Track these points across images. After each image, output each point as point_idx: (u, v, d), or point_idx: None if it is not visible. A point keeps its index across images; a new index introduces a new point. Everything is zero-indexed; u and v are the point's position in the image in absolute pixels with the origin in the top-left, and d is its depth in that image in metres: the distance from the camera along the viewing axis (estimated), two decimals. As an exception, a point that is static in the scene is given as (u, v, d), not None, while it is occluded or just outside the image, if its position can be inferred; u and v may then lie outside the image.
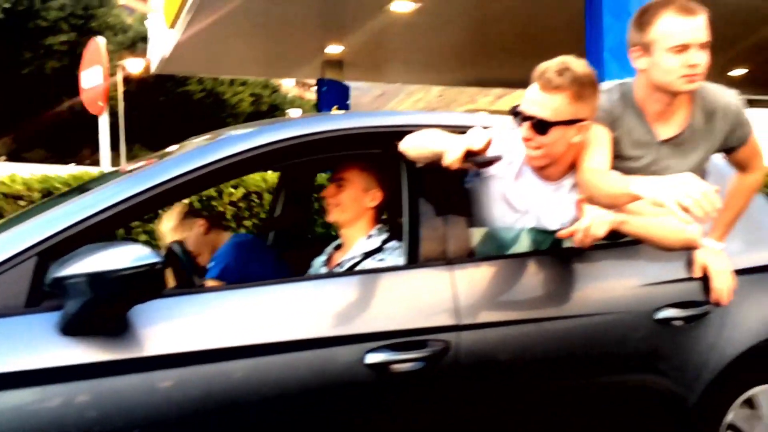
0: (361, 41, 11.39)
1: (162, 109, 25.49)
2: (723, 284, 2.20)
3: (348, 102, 13.69)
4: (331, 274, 2.17)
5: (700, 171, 2.27)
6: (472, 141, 1.84)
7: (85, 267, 1.54)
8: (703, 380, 2.20)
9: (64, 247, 1.67)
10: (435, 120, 2.24)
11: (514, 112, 2.06)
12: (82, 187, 2.11)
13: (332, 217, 2.35)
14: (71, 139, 27.46)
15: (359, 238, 2.32)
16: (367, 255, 2.26)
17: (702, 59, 2.03)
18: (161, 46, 10.75)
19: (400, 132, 2.12)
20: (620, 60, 6.10)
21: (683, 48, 2.01)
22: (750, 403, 2.31)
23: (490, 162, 1.93)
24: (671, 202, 1.71)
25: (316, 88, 14.62)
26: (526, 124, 2.02)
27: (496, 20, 9.49)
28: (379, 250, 2.27)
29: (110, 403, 1.60)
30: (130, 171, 1.99)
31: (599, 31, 6.09)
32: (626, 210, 2.01)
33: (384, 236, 2.32)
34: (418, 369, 1.84)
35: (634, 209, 2.01)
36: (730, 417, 2.27)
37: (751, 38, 10.20)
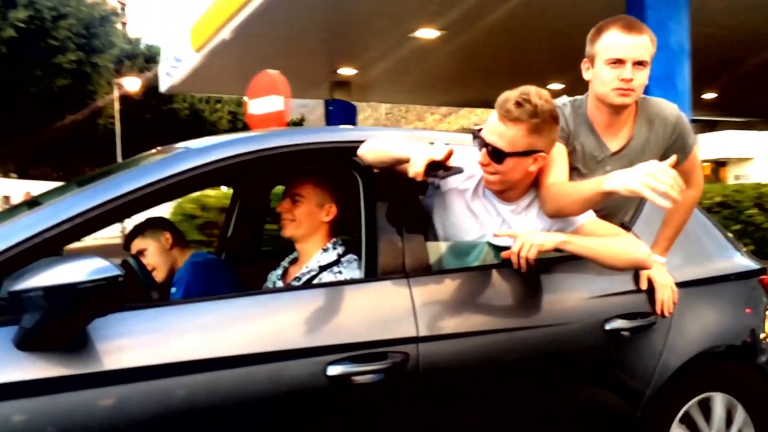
0: (376, 65, 12.11)
1: (148, 127, 25.95)
2: (666, 296, 2.31)
3: (355, 120, 14.58)
4: (291, 288, 2.18)
5: None
6: (435, 152, 1.89)
7: (43, 280, 1.51)
8: (651, 387, 2.28)
9: (18, 262, 1.65)
10: (394, 135, 2.24)
11: (475, 135, 2.10)
12: (33, 201, 2.09)
13: (288, 232, 2.35)
14: (73, 155, 27.72)
15: (315, 251, 2.33)
16: (324, 268, 2.28)
17: (636, 75, 2.11)
18: (180, 68, 11.55)
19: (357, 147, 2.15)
20: (665, 89, 6.62)
21: (618, 62, 2.10)
22: (696, 409, 2.41)
23: (453, 173, 1.97)
24: (643, 189, 1.83)
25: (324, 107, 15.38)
26: (484, 151, 2.06)
27: (513, 46, 10.03)
28: (336, 263, 2.29)
29: (68, 419, 1.57)
30: (85, 184, 1.97)
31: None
32: (582, 231, 2.10)
33: (340, 249, 2.34)
34: (379, 380, 1.86)
35: (592, 231, 2.11)
36: (676, 421, 2.36)
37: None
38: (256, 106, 7.24)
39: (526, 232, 2.09)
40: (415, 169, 1.88)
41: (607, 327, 2.22)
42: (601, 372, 2.25)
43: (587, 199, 2.02)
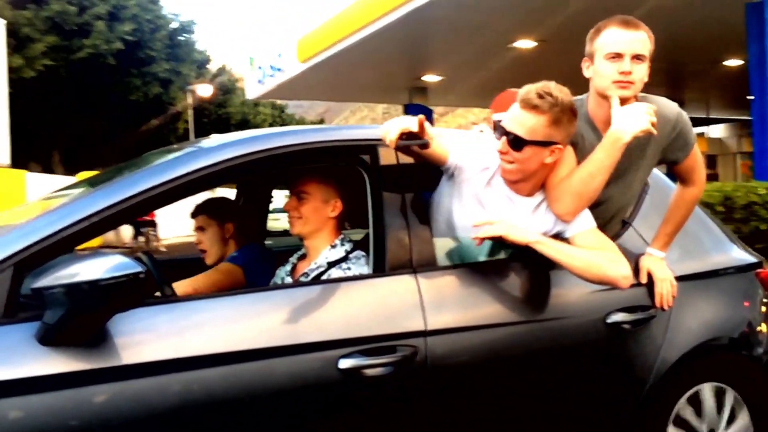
0: (463, 72, 12.85)
1: (211, 129, 27.58)
2: (665, 290, 2.36)
3: (432, 123, 15.10)
4: (302, 283, 2.21)
5: (643, 180, 2.43)
6: (408, 122, 2.00)
7: (65, 277, 1.54)
8: (652, 378, 2.34)
9: (41, 258, 1.68)
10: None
11: (496, 126, 2.16)
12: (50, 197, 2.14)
13: (295, 229, 2.39)
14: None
15: (323, 248, 2.36)
16: (332, 264, 2.30)
17: (635, 69, 2.17)
18: (277, 76, 12.91)
19: (365, 145, 2.21)
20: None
21: (617, 56, 2.16)
22: (695, 400, 2.47)
23: (422, 143, 2.03)
24: (650, 126, 2.06)
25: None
26: (504, 139, 2.12)
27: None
28: (344, 259, 2.31)
29: (90, 412, 1.61)
30: (100, 182, 2.01)
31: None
32: (574, 241, 2.16)
33: (347, 246, 2.37)
34: (389, 373, 1.91)
35: (584, 243, 2.15)
36: (676, 411, 2.41)
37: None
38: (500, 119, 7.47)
39: (509, 220, 2.15)
40: (390, 136, 1.99)
41: (609, 320, 2.27)
42: (603, 364, 2.31)
43: (606, 165, 2.12)
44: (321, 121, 45.66)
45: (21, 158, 15.66)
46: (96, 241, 6.72)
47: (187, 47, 27.61)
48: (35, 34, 20.29)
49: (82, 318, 1.59)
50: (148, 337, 1.72)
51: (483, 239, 2.12)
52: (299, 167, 2.33)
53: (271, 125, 35.90)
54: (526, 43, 10.68)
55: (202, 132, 26.40)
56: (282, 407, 1.82)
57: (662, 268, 2.40)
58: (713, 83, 15.64)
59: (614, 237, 2.44)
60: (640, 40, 2.17)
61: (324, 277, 2.26)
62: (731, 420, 2.51)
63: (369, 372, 1.90)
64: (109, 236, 20.76)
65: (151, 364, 1.69)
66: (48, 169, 22.77)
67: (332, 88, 14.74)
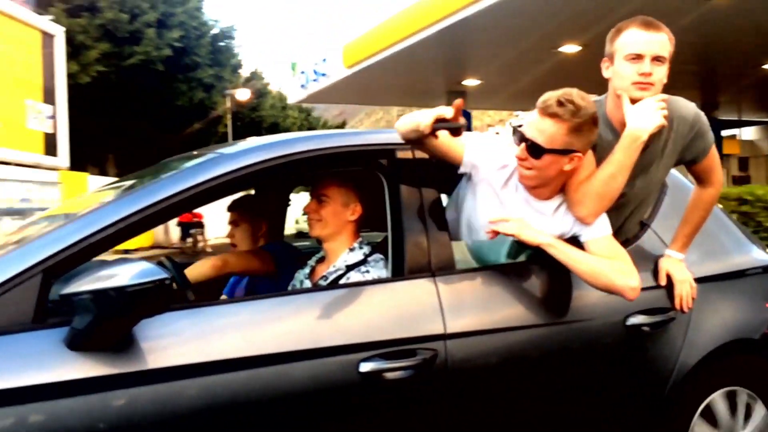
0: (505, 75, 13.20)
1: (240, 132, 28.55)
2: (685, 292, 2.36)
3: (470, 126, 15.97)
4: (323, 287, 2.24)
5: (661, 180, 2.43)
6: (443, 110, 2.01)
7: (93, 284, 1.57)
8: (671, 381, 2.34)
9: (69, 264, 1.72)
10: None
11: (514, 130, 2.16)
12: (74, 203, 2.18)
13: (315, 231, 2.41)
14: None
15: (342, 251, 2.38)
16: (351, 267, 2.32)
17: (655, 70, 2.17)
18: (321, 81, 13.47)
19: (384, 149, 2.23)
20: None
21: (638, 57, 2.16)
22: (716, 404, 2.46)
23: (457, 128, 2.03)
24: (662, 119, 2.11)
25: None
26: (522, 145, 2.12)
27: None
28: (363, 262, 2.33)
29: (117, 416, 1.64)
30: (133, 186, 2.05)
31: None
32: (588, 247, 2.17)
33: (366, 249, 2.39)
34: (409, 376, 1.92)
35: (598, 249, 2.15)
36: (697, 415, 2.41)
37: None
38: None
39: (523, 220, 2.16)
40: (424, 122, 2.01)
41: (628, 323, 2.27)
42: (622, 366, 2.31)
43: (626, 165, 2.13)
44: (343, 124, 46.68)
45: (78, 161, 16.20)
46: (147, 241, 6.92)
47: (227, 52, 28.43)
48: (89, 42, 20.92)
49: (109, 323, 1.62)
50: (172, 341, 1.75)
51: (496, 234, 2.13)
52: (320, 172, 2.36)
53: (299, 128, 37.15)
54: (571, 48, 10.81)
55: (237, 135, 27.23)
56: (304, 411, 1.85)
57: (681, 269, 2.40)
58: (748, 86, 15.57)
59: (633, 238, 2.47)
60: (660, 41, 2.17)
61: (343, 280, 2.28)
62: (749, 421, 2.50)
63: (389, 375, 1.91)
64: (159, 237, 21.49)
65: (176, 368, 1.71)
66: (103, 172, 23.54)
67: (374, 93, 15.37)
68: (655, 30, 2.17)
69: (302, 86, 15.32)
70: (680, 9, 8.53)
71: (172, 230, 22.40)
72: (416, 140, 2.15)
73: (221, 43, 27.53)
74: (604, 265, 2.12)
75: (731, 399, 2.48)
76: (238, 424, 1.77)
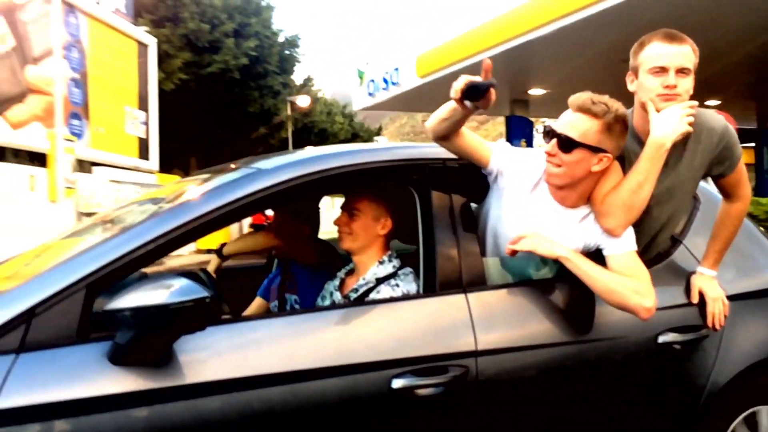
0: (572, 85, 12.83)
1: (294, 137, 29.91)
2: (717, 309, 2.35)
3: (532, 134, 16.73)
4: (356, 303, 2.26)
5: (691, 193, 2.41)
6: (473, 77, 2.02)
7: (136, 300, 1.60)
8: (703, 399, 2.32)
9: (112, 279, 1.76)
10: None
11: (545, 130, 2.18)
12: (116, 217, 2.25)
13: (345, 244, 2.43)
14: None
15: (371, 264, 2.40)
16: (381, 281, 2.33)
17: (680, 82, 2.17)
18: (392, 90, 14.26)
19: (416, 164, 2.26)
20: None
21: (662, 70, 2.17)
22: (751, 421, 2.44)
23: (488, 87, 2.00)
24: (687, 126, 2.12)
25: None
26: (554, 141, 2.13)
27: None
28: (393, 275, 2.34)
29: (160, 430, 1.67)
30: (176, 200, 2.09)
31: None
32: (610, 262, 2.16)
33: (395, 262, 2.40)
34: (440, 393, 1.94)
35: (618, 266, 2.14)
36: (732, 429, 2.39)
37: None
38: None
39: (539, 235, 2.16)
40: (456, 86, 2.02)
41: (660, 340, 2.27)
42: (654, 384, 2.30)
43: (652, 173, 2.14)
44: (379, 129, 49.15)
45: (164, 164, 17.08)
46: (225, 238, 7.11)
47: (292, 60, 29.42)
48: (172, 51, 21.80)
49: (151, 339, 1.66)
50: (210, 356, 1.78)
51: (515, 252, 2.15)
52: (354, 187, 2.39)
53: (345, 133, 38.95)
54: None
55: (294, 139, 28.64)
56: (338, 426, 1.87)
57: (714, 287, 2.38)
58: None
59: (665, 254, 2.46)
60: (684, 53, 2.17)
61: (373, 293, 2.30)
62: None
63: (421, 392, 1.92)
64: (234, 236, 22.10)
65: (213, 383, 1.75)
66: (187, 174, 24.66)
67: (441, 101, 15.49)
68: (678, 42, 2.18)
69: (370, 94, 15.91)
70: (739, 20, 8.35)
71: (245, 231, 23.11)
72: (445, 136, 2.17)
73: (286, 52, 28.48)
74: (619, 283, 2.11)
75: (761, 419, 2.45)
76: None
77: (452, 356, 1.99)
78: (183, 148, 24.48)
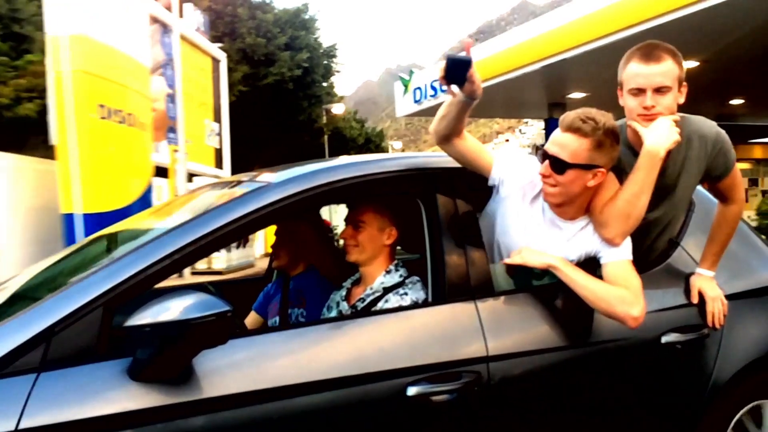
0: (610, 88, 13.00)
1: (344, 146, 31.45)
2: (716, 309, 2.41)
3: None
4: (368, 313, 2.27)
5: (687, 198, 2.46)
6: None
7: (156, 316, 1.61)
8: (706, 396, 2.38)
9: (130, 295, 1.76)
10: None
11: (537, 148, 2.22)
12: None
13: (352, 257, 2.44)
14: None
15: (378, 274, 2.42)
16: (388, 290, 2.35)
17: (659, 101, 2.19)
18: (439, 97, 14.56)
19: (422, 174, 2.28)
20: None
21: (639, 91, 2.20)
22: (754, 414, 2.51)
23: (467, 62, 2.01)
24: (676, 136, 2.15)
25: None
26: (546, 162, 2.16)
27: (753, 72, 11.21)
28: (400, 284, 2.36)
29: None
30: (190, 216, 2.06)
31: None
32: (606, 269, 2.19)
33: (402, 271, 2.42)
34: (454, 399, 1.97)
35: (611, 274, 2.17)
36: (731, 429, 2.45)
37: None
38: None
39: (528, 247, 2.22)
40: (438, 67, 2.04)
41: (663, 340, 2.32)
42: (658, 383, 2.34)
43: (647, 183, 2.16)
44: (381, 132, 50.92)
45: (233, 171, 18.08)
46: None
47: (332, 70, 30.69)
48: (231, 64, 22.85)
49: (172, 354, 1.66)
50: (228, 369, 1.79)
51: (513, 266, 2.20)
52: (361, 197, 2.41)
53: (359, 136, 40.87)
54: (690, 63, 11.20)
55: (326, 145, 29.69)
56: None
57: (713, 287, 2.44)
58: None
59: (664, 256, 2.51)
60: (660, 73, 2.18)
61: (381, 302, 2.32)
62: None
63: (436, 399, 1.95)
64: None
65: (232, 396, 1.75)
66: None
67: (484, 106, 16.43)
68: (655, 61, 2.18)
69: (416, 101, 16.40)
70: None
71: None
72: (447, 136, 2.20)
73: (325, 61, 29.55)
74: (606, 292, 2.14)
75: (763, 412, 2.52)
76: None
77: (464, 362, 2.02)
78: (247, 156, 25.48)
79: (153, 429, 1.67)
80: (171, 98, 13.08)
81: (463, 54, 2.03)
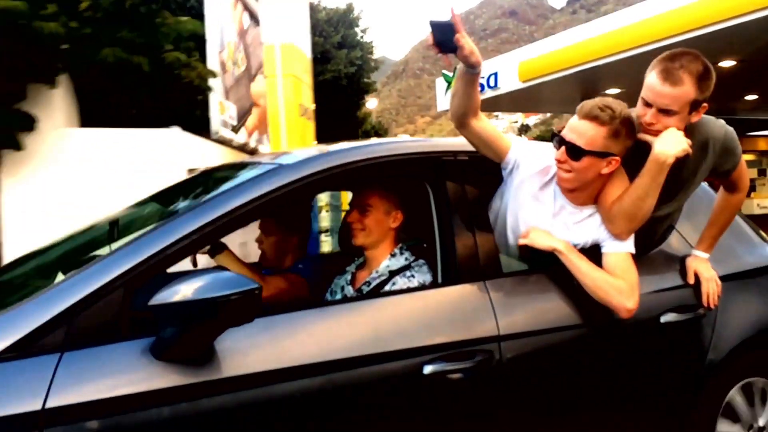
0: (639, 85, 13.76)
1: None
2: (711, 289, 2.49)
3: None
4: (383, 293, 2.29)
5: (694, 192, 2.50)
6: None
7: (183, 294, 1.59)
8: (702, 373, 2.48)
9: (149, 275, 1.76)
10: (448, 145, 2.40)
11: (554, 134, 2.24)
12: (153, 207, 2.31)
13: (359, 240, 2.45)
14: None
15: (383, 257, 2.43)
16: (394, 273, 2.37)
17: (660, 120, 2.18)
18: (488, 93, 15.08)
19: (431, 157, 2.31)
20: None
21: (647, 103, 2.21)
22: (746, 391, 2.61)
23: (450, 25, 2.01)
24: (685, 146, 2.15)
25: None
26: (562, 148, 2.20)
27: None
28: (406, 268, 2.37)
29: (205, 423, 1.69)
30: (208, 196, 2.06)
31: None
32: (606, 259, 2.25)
33: (407, 254, 2.43)
34: (468, 377, 2.01)
35: (611, 264, 2.22)
36: (725, 403, 2.56)
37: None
38: None
39: (537, 228, 2.28)
40: (428, 35, 2.05)
41: (662, 320, 2.40)
42: (659, 360, 2.43)
43: (654, 187, 2.18)
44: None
45: None
46: None
47: (371, 65, 31.72)
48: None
49: (197, 333, 1.66)
50: (249, 349, 1.80)
51: (525, 245, 2.25)
52: (372, 180, 2.42)
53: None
54: (727, 63, 11.34)
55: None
56: (375, 412, 1.92)
57: (708, 268, 2.52)
58: None
59: (662, 240, 2.58)
60: (671, 96, 2.16)
61: (388, 285, 2.33)
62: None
63: (451, 377, 1.99)
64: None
65: (254, 375, 1.76)
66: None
67: (525, 102, 17.11)
68: (670, 84, 2.15)
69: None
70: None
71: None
72: (464, 116, 2.20)
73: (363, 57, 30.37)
74: (605, 281, 2.20)
75: (754, 389, 2.62)
76: (315, 427, 1.84)
77: (477, 341, 2.06)
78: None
79: (178, 408, 1.67)
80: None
81: (447, 19, 2.01)
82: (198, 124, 8.43)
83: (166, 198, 2.50)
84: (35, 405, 1.55)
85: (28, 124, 6.59)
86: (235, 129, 10.17)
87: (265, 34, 7.89)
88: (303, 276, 2.75)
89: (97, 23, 6.78)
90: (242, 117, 10.86)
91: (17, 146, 6.47)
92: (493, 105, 18.22)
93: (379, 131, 43.95)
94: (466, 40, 2.05)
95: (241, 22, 10.94)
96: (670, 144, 2.15)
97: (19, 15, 5.89)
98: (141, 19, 6.98)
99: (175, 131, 7.15)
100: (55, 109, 6.68)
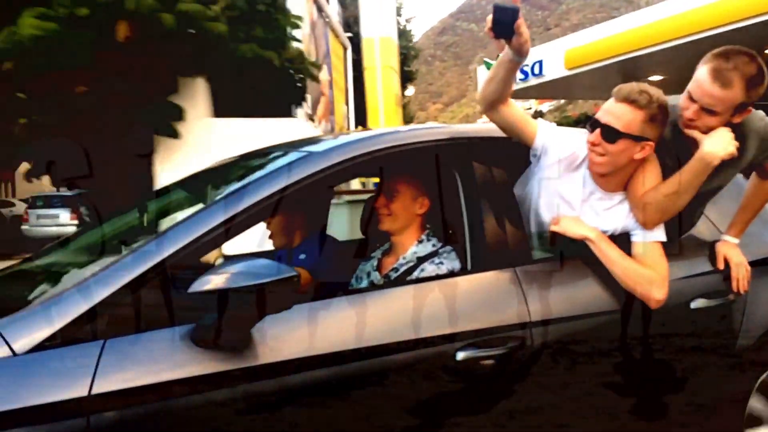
0: (689, 72, 14.02)
1: None
2: (741, 274, 2.47)
3: None
4: (413, 281, 2.29)
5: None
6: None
7: (224, 281, 1.61)
8: (733, 358, 2.48)
9: (187, 261, 1.78)
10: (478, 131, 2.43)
11: (589, 120, 2.23)
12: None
13: (385, 225, 2.45)
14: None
15: (410, 243, 2.43)
16: (422, 259, 2.36)
17: (702, 117, 2.16)
18: (531, 80, 15.95)
19: (459, 143, 2.31)
20: None
21: (692, 98, 2.18)
22: None
23: (514, 9, 1.99)
24: (732, 149, 2.13)
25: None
26: (597, 130, 2.18)
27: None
28: (434, 254, 2.37)
29: (245, 408, 1.72)
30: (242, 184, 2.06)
31: None
32: (635, 248, 2.24)
33: (434, 240, 2.43)
34: (500, 362, 2.03)
35: (641, 254, 2.22)
36: (755, 389, 2.55)
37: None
38: None
39: (568, 216, 2.27)
40: (487, 19, 2.04)
41: (692, 305, 2.40)
42: (688, 345, 2.43)
43: (694, 186, 2.17)
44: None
45: None
46: None
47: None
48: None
49: (237, 320, 1.68)
50: (287, 335, 1.82)
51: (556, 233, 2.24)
52: (400, 167, 2.42)
53: None
54: None
55: None
56: (411, 398, 1.95)
57: (737, 253, 2.50)
58: None
59: (691, 225, 2.55)
60: (716, 97, 2.12)
61: (417, 271, 2.33)
62: None
63: (483, 363, 2.01)
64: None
65: (294, 362, 1.79)
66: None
67: (567, 88, 17.72)
68: (719, 85, 2.11)
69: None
70: None
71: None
72: (494, 102, 2.20)
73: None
74: (635, 271, 2.21)
75: None
76: (351, 413, 1.87)
77: (509, 328, 2.08)
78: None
79: (219, 393, 1.70)
80: (329, 84, 14.08)
81: (509, 4, 2.00)
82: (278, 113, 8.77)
83: (196, 185, 2.54)
84: (81, 391, 1.58)
85: (179, 114, 6.98)
86: (311, 117, 10.40)
87: (365, 28, 8.30)
88: (305, 265, 2.70)
89: (233, 22, 7.31)
90: (314, 106, 11.04)
91: (175, 134, 6.90)
92: (536, 92, 18.76)
93: (405, 118, 45.51)
94: (525, 28, 2.04)
95: (311, 15, 11.15)
96: (719, 145, 2.13)
97: (195, 17, 6.36)
98: (269, 17, 7.47)
99: (300, 120, 7.41)
100: (198, 101, 6.96)
